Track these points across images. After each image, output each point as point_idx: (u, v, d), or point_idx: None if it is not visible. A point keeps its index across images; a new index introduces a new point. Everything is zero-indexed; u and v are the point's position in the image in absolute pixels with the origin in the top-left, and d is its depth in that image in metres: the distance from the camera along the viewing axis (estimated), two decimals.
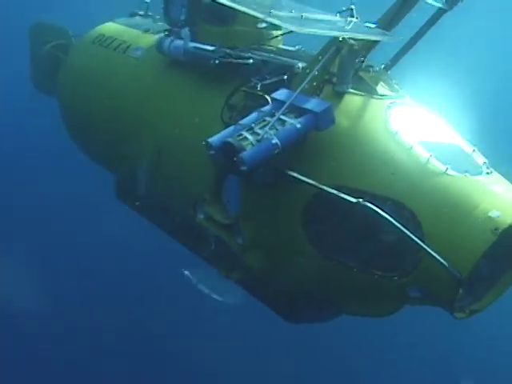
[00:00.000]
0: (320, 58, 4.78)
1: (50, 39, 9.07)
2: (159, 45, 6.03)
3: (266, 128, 4.39)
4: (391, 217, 4.17)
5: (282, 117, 4.51)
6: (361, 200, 4.21)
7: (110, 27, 7.47)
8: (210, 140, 4.60)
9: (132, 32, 7.07)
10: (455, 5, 4.71)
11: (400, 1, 4.54)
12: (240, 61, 5.37)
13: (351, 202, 4.25)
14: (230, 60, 5.39)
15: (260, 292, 5.71)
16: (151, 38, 6.63)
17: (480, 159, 4.74)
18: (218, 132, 5.08)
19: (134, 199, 7.44)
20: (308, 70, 4.85)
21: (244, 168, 4.28)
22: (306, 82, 4.60)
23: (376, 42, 4.72)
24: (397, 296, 4.68)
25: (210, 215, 5.37)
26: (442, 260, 4.14)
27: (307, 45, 6.10)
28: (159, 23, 7.18)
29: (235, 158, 4.29)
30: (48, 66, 9.01)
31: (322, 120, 4.48)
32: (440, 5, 4.72)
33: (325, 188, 4.41)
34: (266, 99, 4.96)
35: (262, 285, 5.56)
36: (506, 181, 4.63)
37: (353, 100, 4.85)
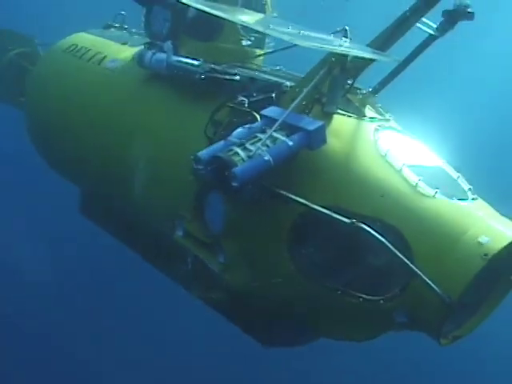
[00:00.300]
0: (311, 76, 4.75)
1: (13, 47, 8.79)
2: (140, 57, 5.88)
3: (259, 144, 4.31)
4: (385, 239, 4.13)
5: (274, 134, 4.45)
6: (354, 221, 4.15)
7: (84, 37, 7.27)
8: (198, 154, 4.48)
9: (107, 43, 6.90)
10: (446, 32, 4.78)
11: (393, 25, 4.57)
12: (226, 77, 5.29)
13: (345, 222, 4.19)
14: (215, 75, 5.30)
15: (235, 315, 5.57)
16: (128, 51, 6.48)
17: (465, 185, 4.78)
18: (201, 147, 4.98)
19: (100, 215, 7.23)
20: (298, 89, 4.82)
21: (235, 184, 4.18)
22: (298, 99, 4.55)
23: (369, 62, 4.73)
24: (382, 321, 4.63)
25: (190, 233, 5.21)
26: (431, 284, 4.11)
27: (287, 66, 6.13)
28: (136, 36, 7.05)
29: (226, 173, 4.18)
30: (10, 75, 8.72)
31: (315, 138, 4.43)
32: (431, 31, 4.78)
33: (317, 208, 4.34)
34: (254, 116, 4.89)
35: (237, 307, 5.43)
36: (491, 207, 4.68)
37: (342, 121, 4.83)
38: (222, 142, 4.53)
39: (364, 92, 5.25)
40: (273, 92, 5.05)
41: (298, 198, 4.41)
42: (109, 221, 7.03)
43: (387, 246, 4.13)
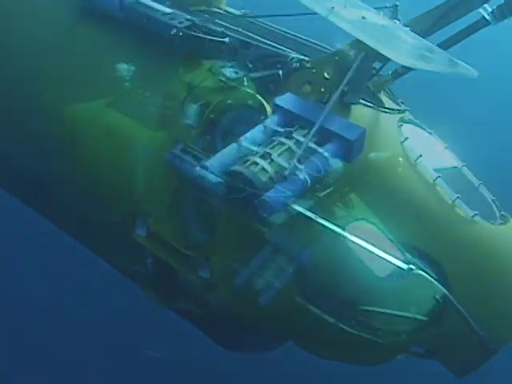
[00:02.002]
0: (332, 58, 3.71)
1: None
2: None
3: (294, 160, 3.26)
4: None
5: (302, 139, 3.42)
6: (413, 267, 3.37)
7: None
8: (206, 163, 3.34)
9: None
10: (502, 20, 3.92)
11: (448, 5, 3.66)
12: (214, 38, 4.06)
13: (401, 268, 3.39)
14: (198, 34, 4.05)
15: (200, 322, 4.72)
16: None
17: (487, 195, 4.19)
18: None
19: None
20: (314, 70, 3.77)
21: (265, 215, 3.16)
22: (333, 99, 3.48)
23: None
24: (397, 350, 4.06)
25: (159, 235, 4.12)
26: (480, 333, 3.56)
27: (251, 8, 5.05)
28: None
29: (256, 201, 3.13)
30: None
31: (355, 150, 3.49)
32: (486, 15, 3.88)
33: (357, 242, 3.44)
34: (262, 104, 3.78)
35: (206, 317, 4.56)
36: None
37: (362, 113, 3.89)
38: (234, 147, 3.41)
39: (381, 75, 4.28)
40: (277, 66, 3.96)
41: (329, 225, 3.44)
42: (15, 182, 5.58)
43: (450, 299, 3.46)
